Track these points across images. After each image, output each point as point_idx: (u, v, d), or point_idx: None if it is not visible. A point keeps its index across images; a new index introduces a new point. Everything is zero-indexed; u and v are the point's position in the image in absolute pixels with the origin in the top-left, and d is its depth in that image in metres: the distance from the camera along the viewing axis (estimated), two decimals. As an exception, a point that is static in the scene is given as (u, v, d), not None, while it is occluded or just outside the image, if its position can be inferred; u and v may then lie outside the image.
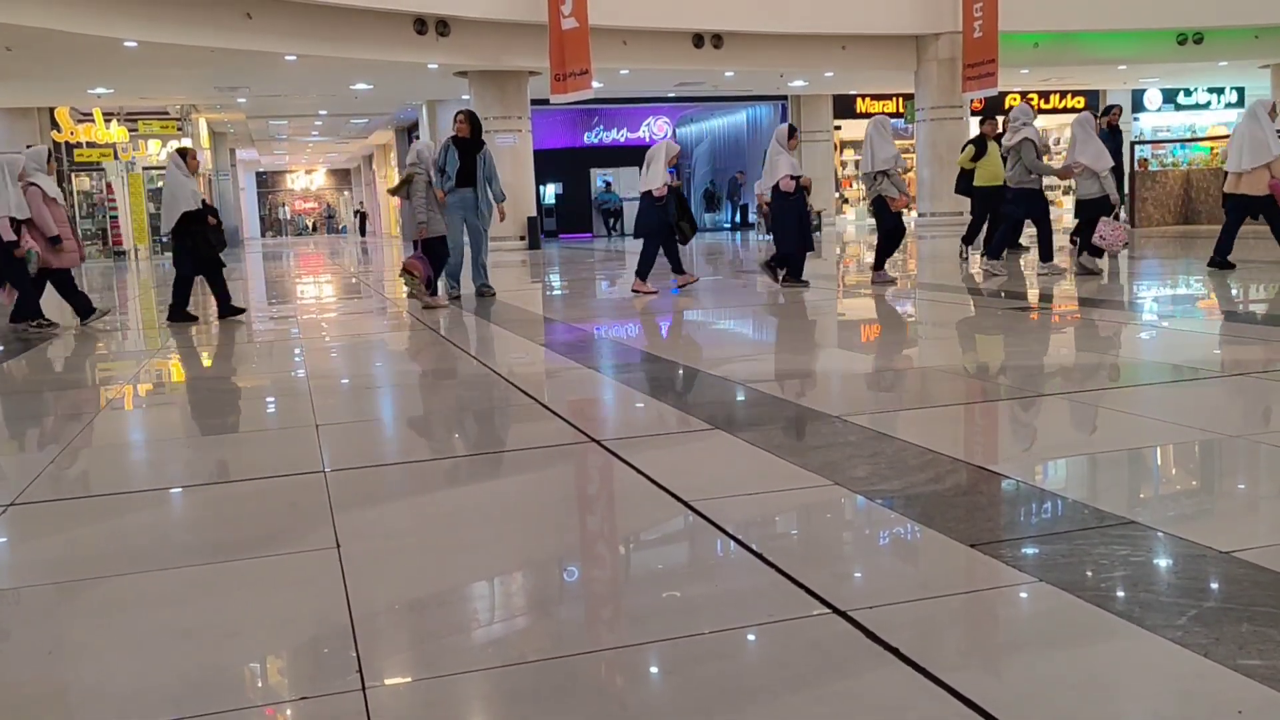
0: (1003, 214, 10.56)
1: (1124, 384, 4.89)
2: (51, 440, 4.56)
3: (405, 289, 9.71)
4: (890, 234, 9.84)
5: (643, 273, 9.85)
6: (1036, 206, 10.18)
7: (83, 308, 8.96)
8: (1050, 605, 2.16)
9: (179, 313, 8.94)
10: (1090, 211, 9.86)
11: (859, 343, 7.09)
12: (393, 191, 10.00)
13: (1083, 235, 10.05)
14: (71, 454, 4.15)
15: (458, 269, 9.90)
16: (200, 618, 2.31)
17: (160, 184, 24.55)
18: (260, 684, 2.07)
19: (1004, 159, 10.67)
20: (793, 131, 9.83)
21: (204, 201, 8.95)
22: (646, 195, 9.82)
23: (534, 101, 20.71)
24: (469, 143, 9.57)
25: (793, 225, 9.68)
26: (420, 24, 17.88)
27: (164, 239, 8.86)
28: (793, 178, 9.48)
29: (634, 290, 9.82)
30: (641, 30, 19.33)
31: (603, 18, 17.66)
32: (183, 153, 8.96)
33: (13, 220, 8.38)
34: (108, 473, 3.99)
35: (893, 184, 9.55)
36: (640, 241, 10.02)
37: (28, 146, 11.66)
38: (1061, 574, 2.28)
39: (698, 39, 20.01)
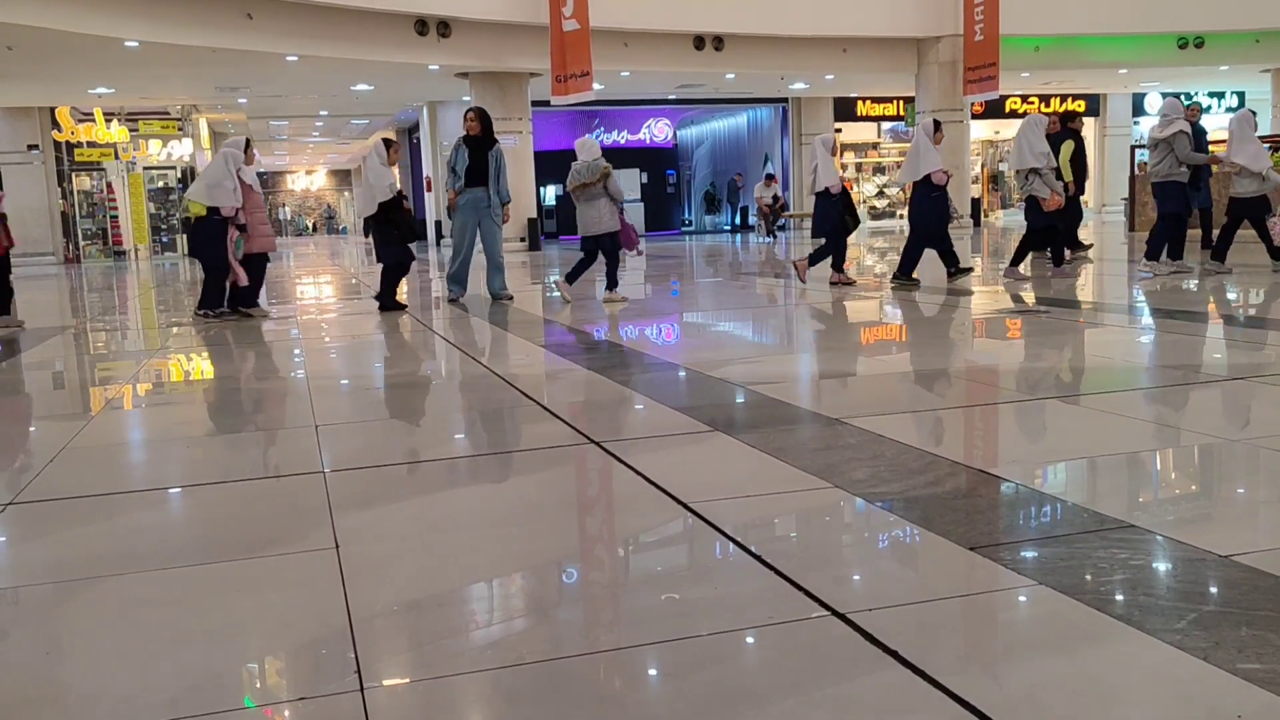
0: (1164, 213, 10.04)
1: None
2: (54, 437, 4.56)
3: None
4: (1040, 234, 9.69)
5: (838, 264, 9.91)
6: (1179, 200, 9.89)
7: (249, 296, 9.07)
8: (1050, 608, 2.16)
9: (390, 301, 9.10)
10: (1244, 210, 9.68)
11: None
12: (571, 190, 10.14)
13: (1225, 235, 9.86)
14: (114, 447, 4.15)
15: (463, 274, 9.76)
16: (198, 618, 2.31)
17: (160, 184, 24.67)
18: (259, 685, 2.07)
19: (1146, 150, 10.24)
20: (938, 125, 9.81)
21: (399, 192, 9.05)
22: (825, 194, 9.78)
23: (535, 103, 20.72)
24: (480, 140, 9.45)
25: (940, 219, 9.61)
26: (421, 25, 17.89)
27: (351, 227, 9.01)
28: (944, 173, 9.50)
29: (832, 283, 9.83)
30: (642, 32, 19.35)
31: (604, 19, 17.67)
32: (387, 143, 9.11)
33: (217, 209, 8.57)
34: (141, 470, 3.99)
35: (1044, 183, 9.45)
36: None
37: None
38: (1061, 577, 2.28)
39: (698, 41, 20.03)
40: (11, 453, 4.45)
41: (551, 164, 26.57)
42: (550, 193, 27.83)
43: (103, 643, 2.21)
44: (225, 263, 8.73)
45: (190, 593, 2.48)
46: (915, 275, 9.64)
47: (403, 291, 9.91)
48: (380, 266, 9.33)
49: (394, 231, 8.93)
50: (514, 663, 2.02)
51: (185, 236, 8.82)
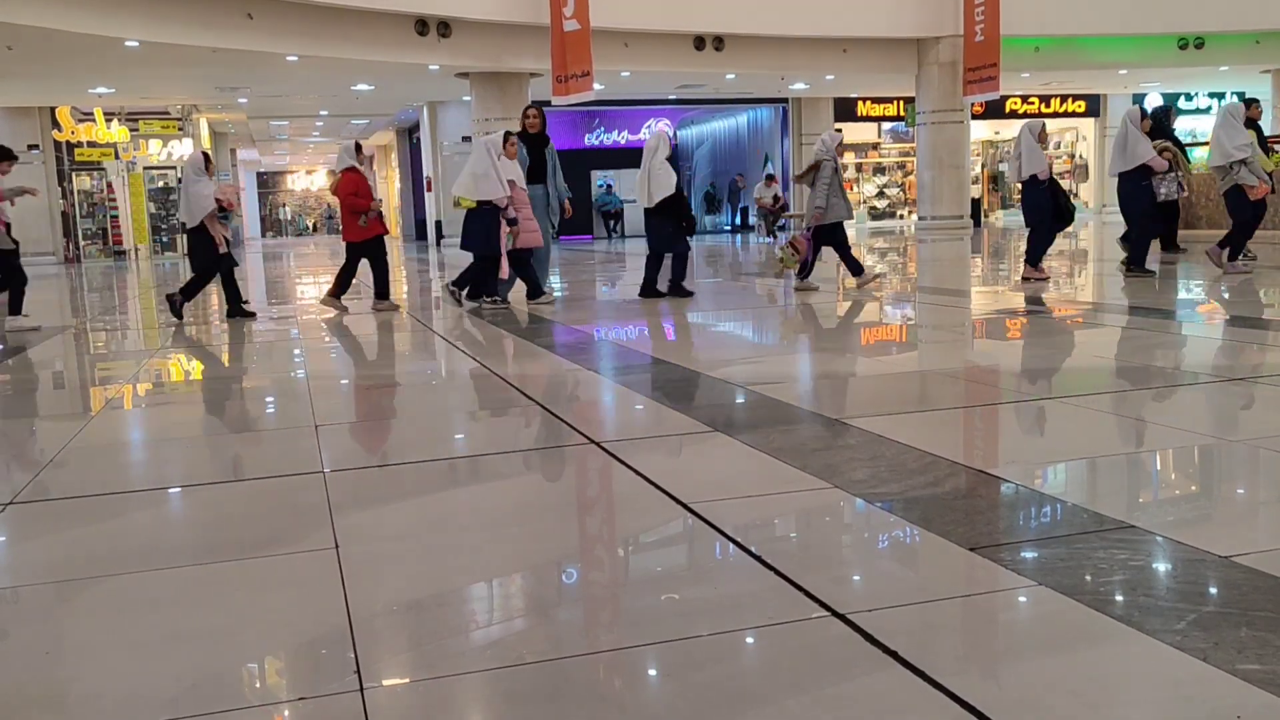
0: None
1: None
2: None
3: (780, 261, 9.90)
4: (1245, 226, 9.51)
5: (1034, 259, 9.64)
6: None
7: (534, 287, 9.28)
8: (1049, 609, 2.16)
9: (650, 290, 9.42)
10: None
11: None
12: (799, 178, 10.19)
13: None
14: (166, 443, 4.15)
15: (543, 272, 9.66)
16: (198, 618, 2.31)
17: (160, 183, 24.66)
18: (258, 685, 2.07)
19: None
20: (1144, 114, 9.69)
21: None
22: (1033, 181, 9.47)
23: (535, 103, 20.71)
24: (537, 138, 9.42)
25: (1149, 210, 9.51)
26: (422, 25, 17.89)
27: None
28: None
29: (1024, 278, 9.59)
30: (643, 32, 19.35)
31: (604, 20, 17.67)
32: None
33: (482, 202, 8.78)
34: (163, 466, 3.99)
35: (1250, 171, 9.30)
36: None
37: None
38: (1061, 578, 2.28)
39: (699, 41, 20.03)
40: (12, 452, 4.45)
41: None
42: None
43: (103, 642, 2.21)
44: (498, 252, 8.89)
45: (190, 592, 2.48)
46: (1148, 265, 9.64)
47: (401, 290, 9.89)
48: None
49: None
50: (514, 663, 2.02)
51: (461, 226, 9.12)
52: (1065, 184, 32.45)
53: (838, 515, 2.96)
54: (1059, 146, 32.52)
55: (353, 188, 9.00)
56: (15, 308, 8.96)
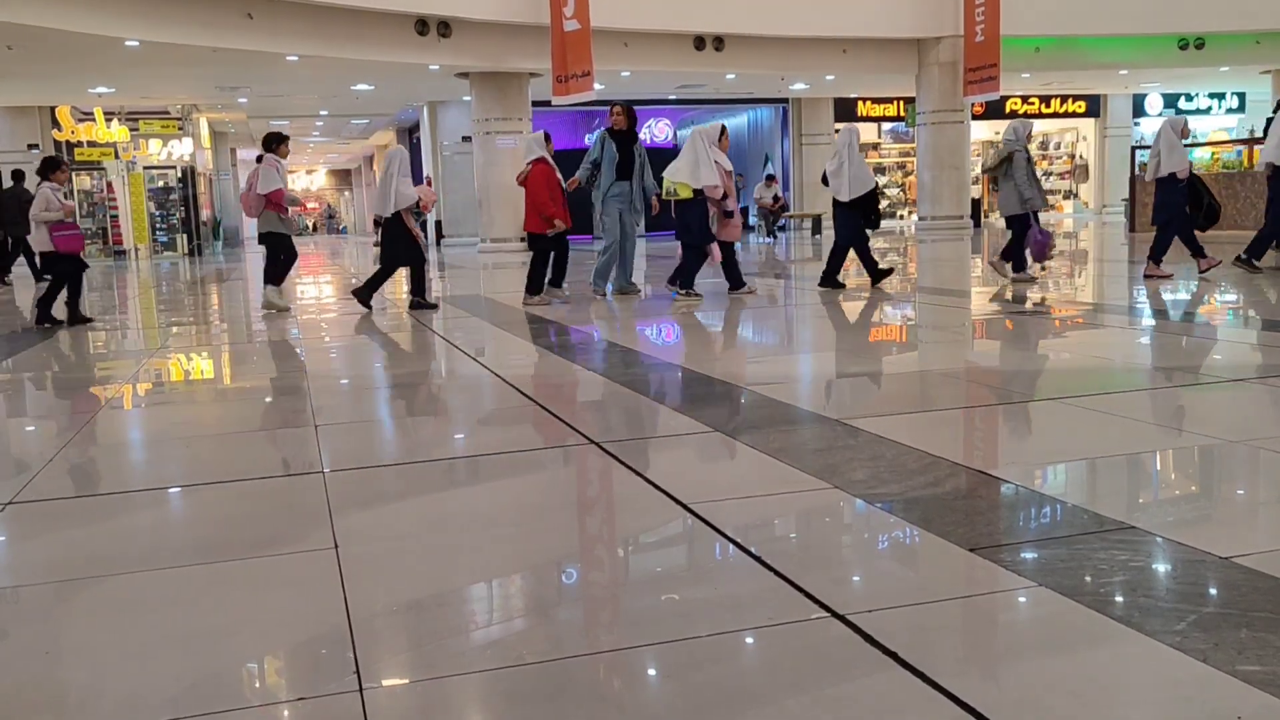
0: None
1: None
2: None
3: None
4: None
5: (1158, 256, 9.59)
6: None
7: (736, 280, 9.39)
8: (1049, 610, 2.16)
9: (831, 280, 9.60)
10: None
11: None
12: (988, 170, 10.10)
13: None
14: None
15: (608, 268, 9.74)
16: (198, 619, 2.31)
17: (160, 183, 24.64)
18: (258, 685, 2.07)
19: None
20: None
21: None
22: (1171, 179, 9.38)
23: (535, 103, 20.72)
24: (625, 135, 9.52)
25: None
26: (422, 25, 17.89)
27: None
28: None
29: (1146, 275, 9.57)
30: (643, 32, 19.35)
31: (605, 20, 17.67)
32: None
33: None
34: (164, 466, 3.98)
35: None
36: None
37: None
38: (1060, 578, 2.28)
39: (699, 41, 20.03)
40: (14, 452, 4.45)
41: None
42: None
43: (103, 642, 2.20)
44: (711, 241, 9.05)
45: (190, 593, 2.48)
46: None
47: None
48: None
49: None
50: (513, 663, 2.02)
51: (675, 217, 9.30)
52: (1065, 184, 32.48)
53: (838, 516, 2.96)
54: (1058, 147, 32.53)
55: (544, 179, 9.08)
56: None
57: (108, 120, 22.74)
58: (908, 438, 3.62)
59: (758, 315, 8.63)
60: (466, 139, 22.41)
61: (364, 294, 9.30)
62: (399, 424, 4.79)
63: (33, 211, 8.85)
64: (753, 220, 26.28)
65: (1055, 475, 3.30)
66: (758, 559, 2.52)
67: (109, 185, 23.22)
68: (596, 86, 18.13)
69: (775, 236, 22.52)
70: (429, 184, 26.37)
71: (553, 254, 9.51)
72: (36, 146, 22.65)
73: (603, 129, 9.72)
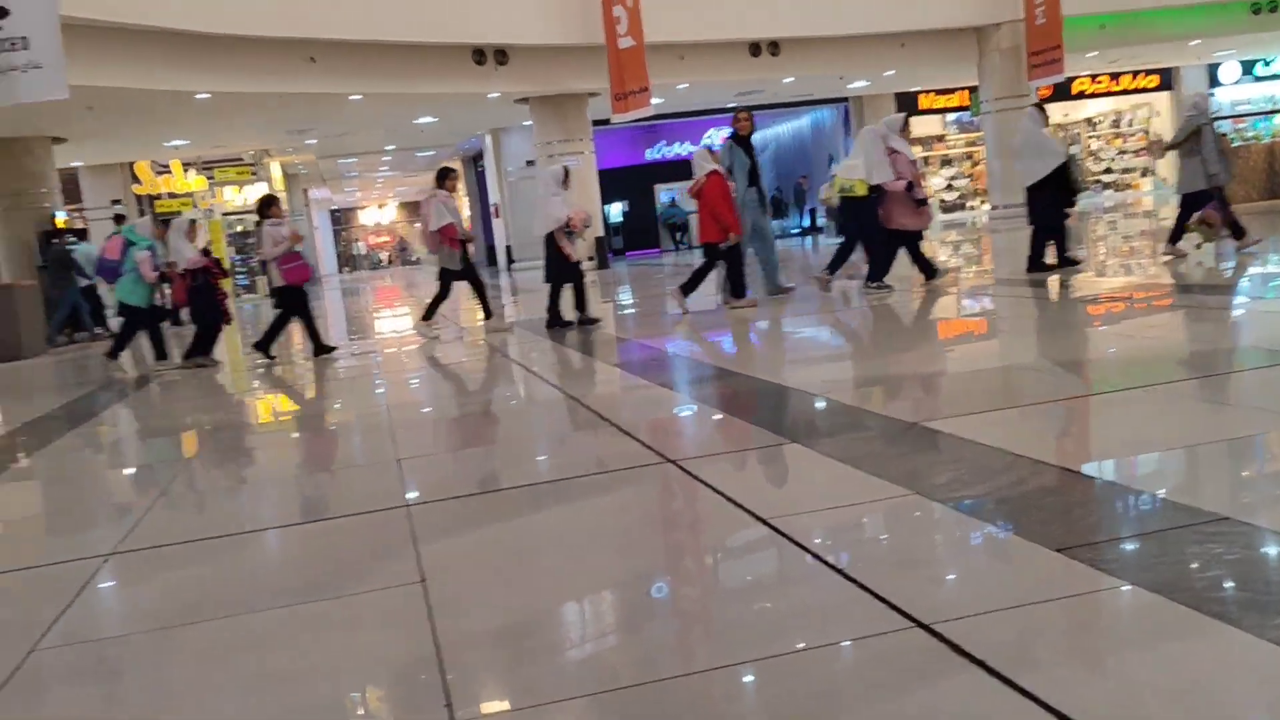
0: None
1: None
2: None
3: (1198, 240, 9.72)
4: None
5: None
6: None
7: (928, 270, 9.35)
8: (1141, 609, 2.10)
9: (1038, 264, 9.33)
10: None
11: None
12: (1173, 145, 9.95)
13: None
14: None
15: (775, 267, 9.82)
16: (292, 658, 2.36)
17: (239, 228, 25.32)
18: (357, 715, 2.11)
19: None
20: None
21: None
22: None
23: (595, 122, 20.86)
24: (749, 140, 9.62)
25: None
26: (479, 54, 18.14)
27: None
28: None
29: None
30: (698, 44, 19.36)
31: (659, 34, 17.73)
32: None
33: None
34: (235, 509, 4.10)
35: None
36: None
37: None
38: (1153, 575, 2.22)
39: (754, 48, 19.96)
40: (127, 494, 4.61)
41: (615, 181, 26.74)
42: (616, 209, 27.99)
43: (205, 684, 2.27)
44: (882, 237, 9.21)
45: (283, 633, 2.54)
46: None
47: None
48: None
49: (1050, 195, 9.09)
50: (607, 687, 2.03)
51: (839, 213, 9.85)
52: (1141, 162, 31.63)
53: (919, 522, 2.92)
54: (1130, 124, 31.70)
55: (720, 191, 9.18)
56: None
57: (185, 171, 23.48)
58: (992, 438, 3.56)
59: (992, 310, 8.43)
60: (530, 163, 22.62)
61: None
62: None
63: (264, 251, 9.14)
64: (821, 221, 26.09)
65: (1143, 467, 3.21)
66: (839, 571, 2.50)
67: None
68: (655, 101, 18.19)
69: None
70: (496, 212, 26.70)
71: (723, 264, 9.52)
72: (120, 202, 23.44)
73: (728, 137, 9.75)
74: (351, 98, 17.90)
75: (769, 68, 20.45)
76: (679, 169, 29.00)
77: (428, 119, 22.47)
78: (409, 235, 58.70)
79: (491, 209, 28.21)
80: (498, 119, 23.82)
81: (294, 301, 9.09)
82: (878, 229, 9.20)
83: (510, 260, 25.63)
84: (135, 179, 23.53)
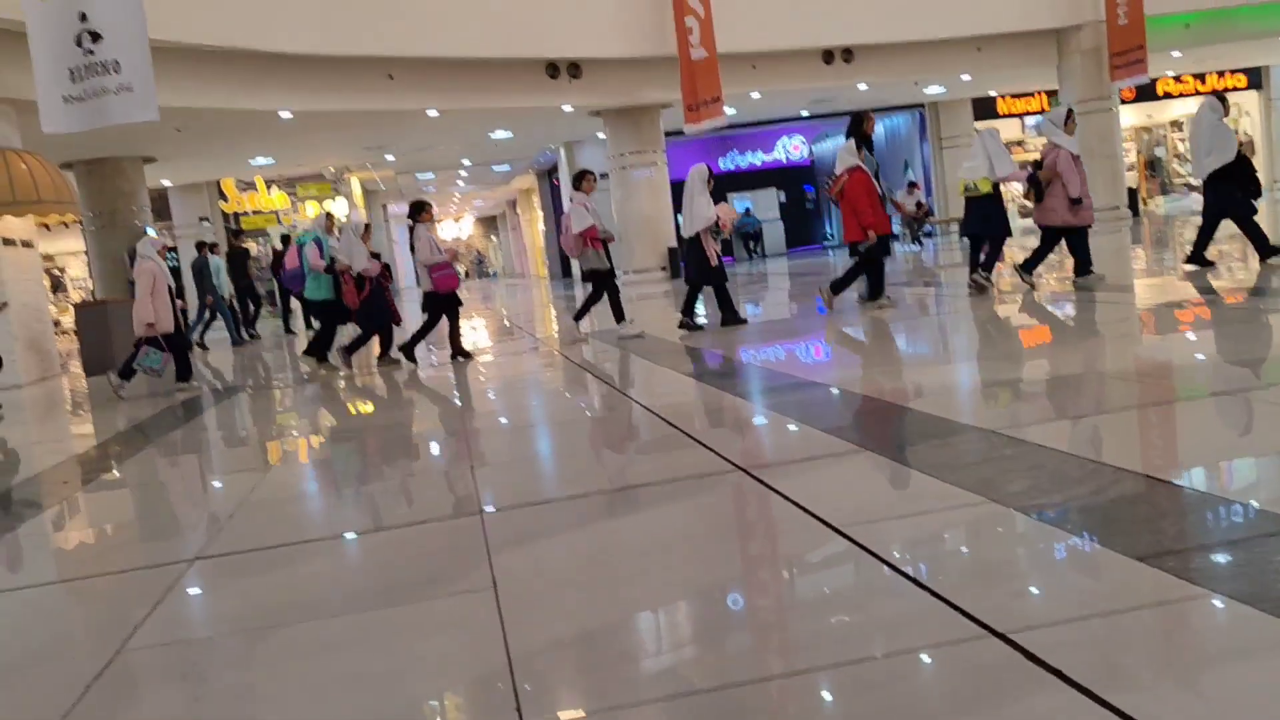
0: None
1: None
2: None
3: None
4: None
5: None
6: None
7: (1083, 264, 9.29)
8: (1227, 618, 2.04)
9: (1200, 257, 9.23)
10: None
11: None
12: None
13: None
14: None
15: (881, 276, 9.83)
16: (368, 662, 2.41)
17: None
18: (426, 724, 2.14)
19: None
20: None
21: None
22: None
23: (667, 133, 20.92)
24: (870, 141, 9.62)
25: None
26: (553, 68, 18.33)
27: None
28: None
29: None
30: (770, 52, 19.30)
31: (730, 45, 17.73)
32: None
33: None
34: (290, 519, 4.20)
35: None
36: None
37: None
38: (1238, 584, 2.15)
39: (827, 55, 19.84)
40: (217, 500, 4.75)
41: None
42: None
43: (285, 688, 2.33)
44: (1008, 233, 9.43)
45: (360, 637, 2.59)
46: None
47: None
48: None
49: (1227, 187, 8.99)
50: (679, 693, 2.03)
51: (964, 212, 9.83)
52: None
53: (994, 531, 2.87)
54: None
55: (864, 187, 9.24)
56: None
57: (268, 188, 24.12)
58: (1067, 445, 3.48)
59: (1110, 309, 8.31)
60: (604, 176, 22.78)
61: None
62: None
63: (420, 256, 9.39)
64: (897, 229, 25.80)
65: (1225, 475, 3.12)
66: (913, 580, 2.47)
67: (274, 251, 24.55)
68: (728, 111, 18.17)
69: (921, 243, 22.05)
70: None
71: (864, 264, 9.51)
72: (207, 219, 24.16)
73: (850, 139, 9.63)
74: (428, 113, 18.22)
75: (842, 75, 20.29)
76: (752, 178, 28.97)
77: (503, 133, 22.76)
78: (485, 249, 59.44)
79: (565, 221, 28.41)
80: (571, 132, 24.03)
81: (444, 307, 9.31)
82: (1005, 225, 9.21)
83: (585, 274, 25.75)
84: (222, 196, 24.23)
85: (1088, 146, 20.92)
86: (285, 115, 16.45)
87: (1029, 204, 9.16)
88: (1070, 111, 9.29)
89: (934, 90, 25.17)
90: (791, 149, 29.42)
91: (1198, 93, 28.83)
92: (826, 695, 1.98)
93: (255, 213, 24.52)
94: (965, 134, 26.75)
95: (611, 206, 21.47)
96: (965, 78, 23.14)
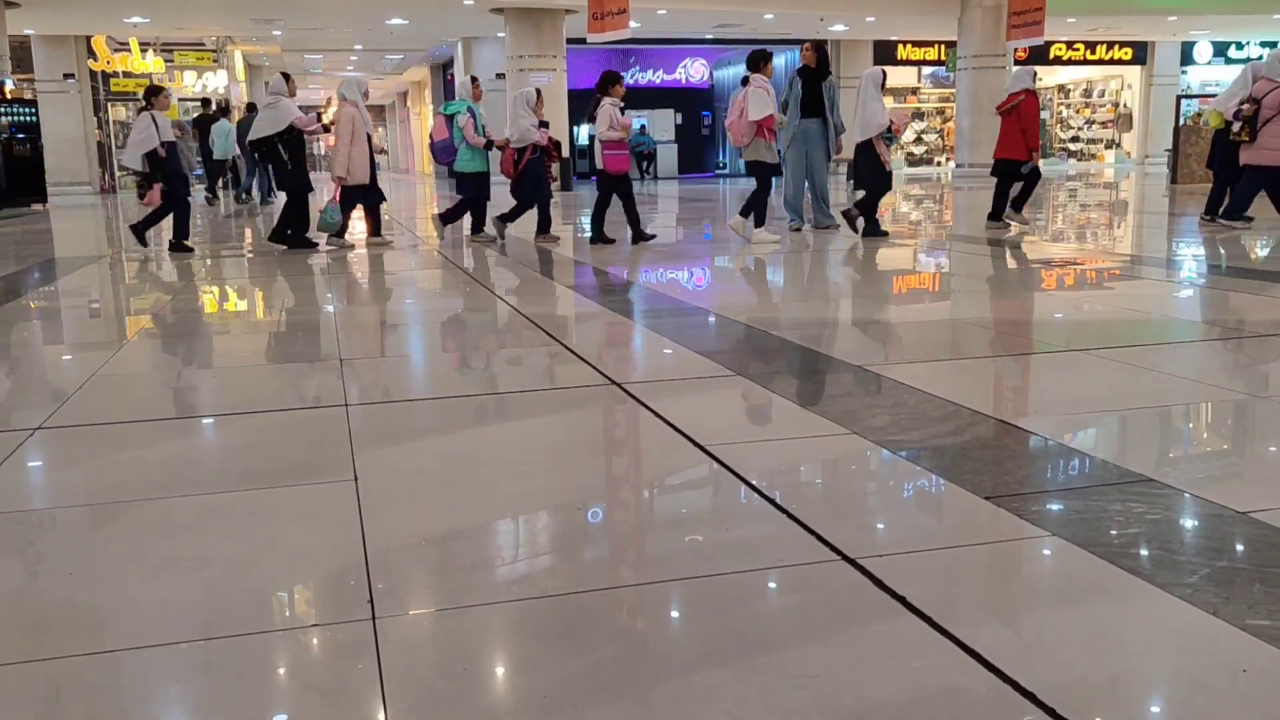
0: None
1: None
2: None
3: None
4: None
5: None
6: None
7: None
8: (1062, 560, 2.16)
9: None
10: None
11: None
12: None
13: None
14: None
15: (798, 201, 10.05)
16: (221, 545, 2.35)
17: (195, 115, 24.64)
18: (274, 612, 2.11)
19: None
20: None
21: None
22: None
23: (569, 41, 20.50)
24: (814, 73, 9.70)
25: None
26: (457, -42, 17.71)
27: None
28: None
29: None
30: (681, -31, 19.05)
31: (642, -44, 17.42)
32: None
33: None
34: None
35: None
36: None
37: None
38: (1076, 529, 2.27)
39: (737, -21, 19.69)
40: (45, 379, 4.53)
41: (584, 103, 26.37)
42: (584, 132, 27.64)
43: (129, 566, 2.25)
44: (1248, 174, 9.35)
45: (214, 519, 2.52)
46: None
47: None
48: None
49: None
50: (527, 596, 2.05)
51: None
52: (1107, 133, 31.83)
53: (855, 461, 2.96)
54: (1101, 95, 31.86)
55: (1034, 113, 9.54)
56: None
57: (143, 51, 22.73)
58: (931, 385, 3.60)
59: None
60: (500, 76, 22.22)
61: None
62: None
63: (597, 129, 8.90)
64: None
65: (1077, 426, 3.27)
66: (772, 502, 2.53)
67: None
68: (633, 24, 17.90)
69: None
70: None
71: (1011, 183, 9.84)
72: (72, 76, 22.71)
73: (795, 69, 9.94)
74: (322, -10, 17.43)
75: (750, 1, 20.19)
76: (652, 95, 28.69)
77: (399, 21, 21.96)
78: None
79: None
80: (471, 28, 23.36)
81: (616, 188, 9.07)
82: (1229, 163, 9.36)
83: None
84: (91, 54, 22.76)
85: (978, 102, 21.48)
86: (166, -28, 15.50)
87: (1244, 139, 9.11)
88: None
89: (838, 28, 25.27)
90: (693, 71, 29.24)
91: (1086, 60, 29.75)
92: (677, 608, 2.02)
93: (126, 74, 23.12)
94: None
95: (506, 108, 21.01)
96: (869, 19, 23.31)
